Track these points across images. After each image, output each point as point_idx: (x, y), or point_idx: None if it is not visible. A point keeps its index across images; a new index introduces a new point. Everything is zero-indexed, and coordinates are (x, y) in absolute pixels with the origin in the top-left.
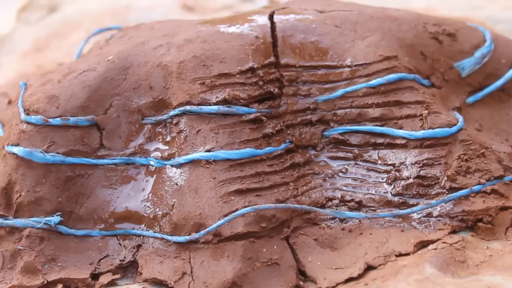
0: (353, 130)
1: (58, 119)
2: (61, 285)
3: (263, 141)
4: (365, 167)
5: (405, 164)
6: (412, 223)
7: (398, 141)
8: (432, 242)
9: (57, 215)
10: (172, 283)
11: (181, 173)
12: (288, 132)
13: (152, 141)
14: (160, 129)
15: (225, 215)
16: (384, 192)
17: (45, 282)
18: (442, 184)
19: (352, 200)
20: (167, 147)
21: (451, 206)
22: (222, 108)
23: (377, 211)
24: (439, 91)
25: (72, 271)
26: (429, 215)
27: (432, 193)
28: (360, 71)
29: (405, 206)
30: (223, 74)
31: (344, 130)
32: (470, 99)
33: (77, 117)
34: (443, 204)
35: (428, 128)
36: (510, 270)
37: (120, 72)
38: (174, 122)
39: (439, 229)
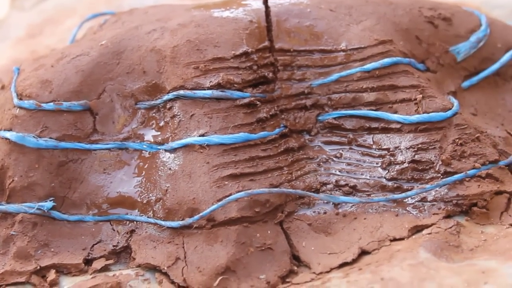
0: (347, 115)
1: (51, 103)
2: (54, 270)
3: (257, 126)
4: (360, 152)
5: (400, 149)
6: (406, 207)
7: (393, 126)
8: (427, 226)
9: (50, 200)
10: (165, 268)
11: (174, 158)
12: (283, 116)
13: (145, 126)
14: (153, 114)
15: (219, 200)
16: (378, 177)
17: (38, 267)
18: (436, 169)
19: (347, 184)
20: (160, 132)
21: (445, 190)
22: (216, 93)
23: (371, 195)
24: (434, 75)
25: (65, 257)
26: (424, 199)
27: (427, 177)
28: (355, 55)
29: (399, 190)
30: (217, 58)
31: (339, 115)
32: (466, 84)
33: (70, 102)
34: (437, 188)
35: (423, 113)
36: (504, 254)
37: (113, 56)
38: (168, 106)
39: (434, 214)
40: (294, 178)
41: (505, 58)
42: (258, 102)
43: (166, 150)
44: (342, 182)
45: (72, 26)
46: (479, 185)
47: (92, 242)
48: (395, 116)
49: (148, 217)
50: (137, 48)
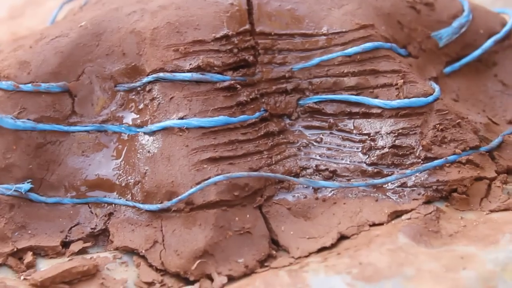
0: (328, 99)
1: (29, 85)
2: (31, 253)
3: (237, 109)
4: (340, 137)
5: (380, 134)
6: (386, 193)
7: (374, 111)
8: (406, 212)
9: (27, 182)
10: (143, 251)
11: (153, 140)
12: (263, 100)
13: (124, 108)
14: (133, 96)
15: (198, 183)
16: (358, 162)
17: (15, 249)
18: (417, 154)
19: (327, 169)
20: (139, 115)
21: (425, 176)
22: (196, 75)
23: (351, 180)
24: (416, 60)
25: (42, 239)
26: (404, 185)
27: (407, 162)
28: (336, 40)
29: (379, 175)
30: (197, 41)
31: (320, 99)
32: (447, 69)
33: (49, 83)
34: (417, 174)
35: (404, 98)
36: (483, 240)
37: (93, 38)
38: (147, 89)
39: (413, 199)
40: (274, 162)
41: (487, 44)
42: (238, 86)
43: (145, 133)
44: (322, 167)
45: (54, 7)
46: (459, 171)
47: (70, 224)
48: (376, 101)
49: (126, 200)
50: (117, 29)
